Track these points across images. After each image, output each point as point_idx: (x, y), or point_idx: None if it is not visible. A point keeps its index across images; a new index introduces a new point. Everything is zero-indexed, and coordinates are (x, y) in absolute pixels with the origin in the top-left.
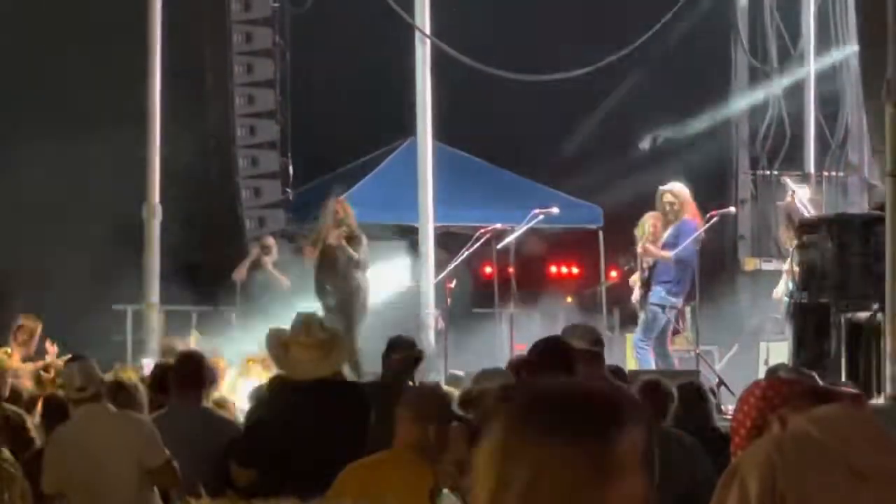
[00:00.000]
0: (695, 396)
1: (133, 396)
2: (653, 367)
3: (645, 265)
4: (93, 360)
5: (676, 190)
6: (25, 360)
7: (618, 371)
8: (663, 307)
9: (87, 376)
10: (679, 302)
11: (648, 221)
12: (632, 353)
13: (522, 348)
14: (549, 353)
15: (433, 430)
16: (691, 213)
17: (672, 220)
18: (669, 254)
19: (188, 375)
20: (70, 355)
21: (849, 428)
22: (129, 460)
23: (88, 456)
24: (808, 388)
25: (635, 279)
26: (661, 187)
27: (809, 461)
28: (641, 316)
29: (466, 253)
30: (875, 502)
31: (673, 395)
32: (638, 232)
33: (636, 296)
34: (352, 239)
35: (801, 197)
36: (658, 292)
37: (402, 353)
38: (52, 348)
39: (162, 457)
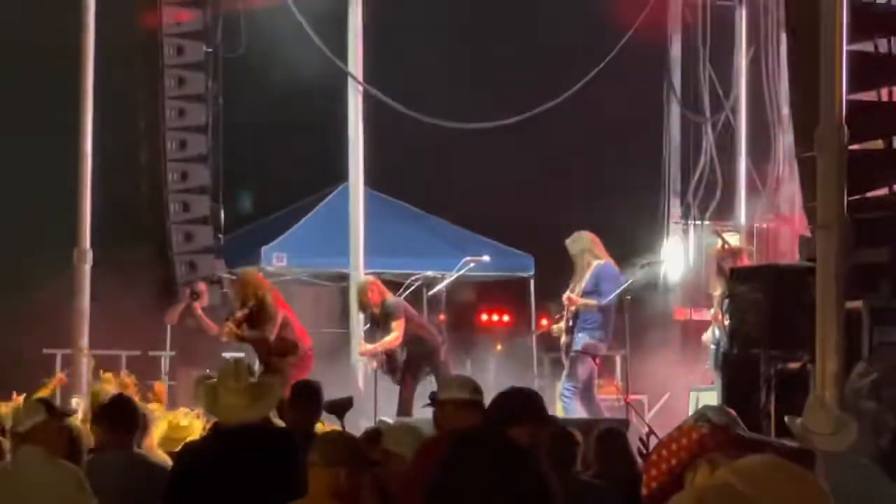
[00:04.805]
0: (614, 443)
1: (78, 441)
2: (578, 415)
3: (568, 313)
4: None
5: (583, 237)
6: None
7: None
8: (588, 354)
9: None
10: (603, 347)
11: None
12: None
13: None
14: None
15: (344, 474)
16: (604, 257)
17: (584, 267)
18: (595, 302)
19: (118, 419)
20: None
21: (771, 477)
22: None
23: (17, 499)
24: (743, 437)
25: (559, 328)
26: (566, 240)
27: None
28: (566, 364)
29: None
30: None
31: (578, 440)
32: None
33: (563, 340)
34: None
35: (732, 247)
36: (581, 339)
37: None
38: None
39: None
